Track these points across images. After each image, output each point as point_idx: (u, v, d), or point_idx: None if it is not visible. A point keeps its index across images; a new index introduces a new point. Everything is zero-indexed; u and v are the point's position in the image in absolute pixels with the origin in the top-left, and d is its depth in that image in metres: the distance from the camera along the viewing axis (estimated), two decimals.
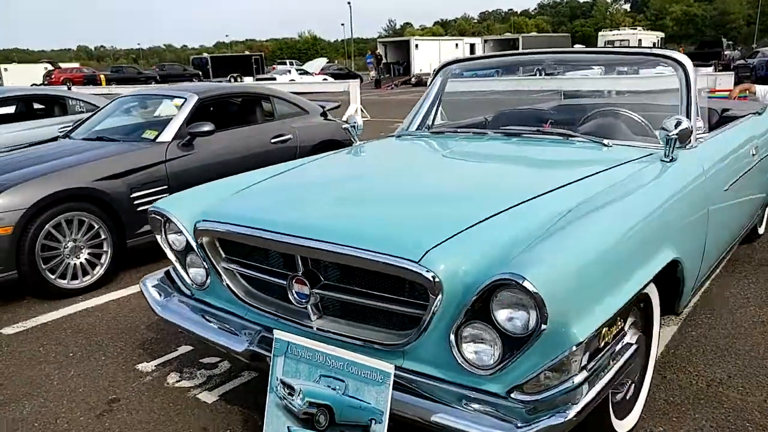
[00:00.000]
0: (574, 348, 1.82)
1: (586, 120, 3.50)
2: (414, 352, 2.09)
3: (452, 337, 1.95)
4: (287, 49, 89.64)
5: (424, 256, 1.94)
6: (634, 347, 2.07)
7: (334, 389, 1.99)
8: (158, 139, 4.90)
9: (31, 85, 36.16)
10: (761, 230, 4.95)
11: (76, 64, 53.19)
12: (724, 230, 3.32)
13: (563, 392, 1.84)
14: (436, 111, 4.11)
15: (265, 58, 59.17)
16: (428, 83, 4.23)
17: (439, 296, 1.92)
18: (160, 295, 2.93)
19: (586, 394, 1.84)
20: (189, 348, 3.42)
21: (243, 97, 5.95)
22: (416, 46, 37.62)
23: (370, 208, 2.34)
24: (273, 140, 5.64)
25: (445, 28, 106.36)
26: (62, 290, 4.22)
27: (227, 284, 2.61)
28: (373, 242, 2.04)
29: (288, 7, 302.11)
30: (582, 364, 1.87)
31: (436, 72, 4.13)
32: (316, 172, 3.03)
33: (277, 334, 2.17)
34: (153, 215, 2.83)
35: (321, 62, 43.63)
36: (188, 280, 2.82)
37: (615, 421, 2.37)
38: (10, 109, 7.94)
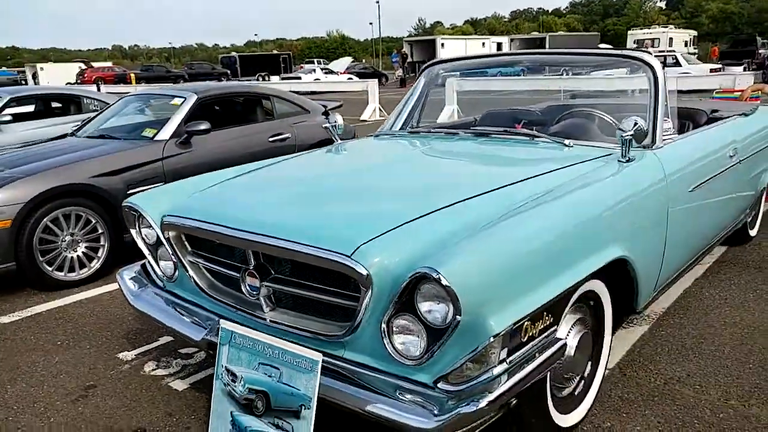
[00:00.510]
0: (492, 339, 1.89)
1: (560, 120, 3.55)
2: (354, 343, 2.17)
3: (384, 328, 2.04)
4: (316, 48, 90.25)
5: (356, 250, 2.03)
6: (561, 342, 2.12)
7: (270, 376, 2.09)
8: (156, 138, 5.07)
9: (66, 84, 37.13)
10: (753, 232, 4.92)
11: (108, 63, 54.33)
12: (693, 231, 3.34)
13: (483, 383, 1.91)
14: (421, 111, 4.19)
15: (294, 57, 59.57)
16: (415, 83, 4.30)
17: (370, 289, 2.01)
18: (136, 286, 3.07)
19: (503, 384, 1.91)
20: (170, 339, 3.55)
21: (243, 96, 6.10)
22: (442, 45, 37.66)
23: (317, 206, 2.43)
24: (271, 139, 5.77)
25: (475, 27, 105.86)
26: (59, 282, 4.40)
27: (192, 277, 2.73)
28: (311, 237, 2.14)
29: (319, 6, 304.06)
30: (502, 357, 1.94)
31: (420, 72, 4.21)
32: (284, 170, 3.14)
33: (223, 323, 2.28)
34: (126, 210, 2.96)
35: (346, 61, 43.81)
36: (159, 272, 2.95)
37: (557, 415, 2.43)
38: (30, 108, 8.24)
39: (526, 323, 2.00)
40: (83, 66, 43.26)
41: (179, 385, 3.08)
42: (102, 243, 4.61)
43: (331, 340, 2.21)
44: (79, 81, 37.98)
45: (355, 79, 29.11)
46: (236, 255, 2.55)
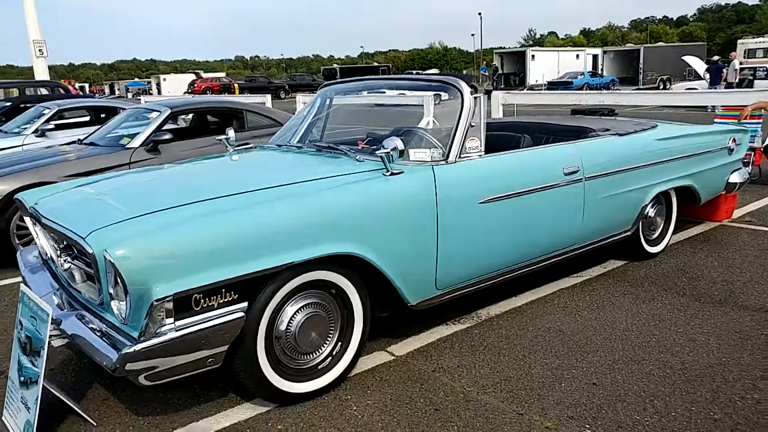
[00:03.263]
0: (155, 304, 2.46)
1: (387, 137, 4.00)
2: (109, 308, 2.82)
3: (111, 293, 2.67)
4: (419, 60, 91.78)
5: (89, 234, 2.68)
6: (234, 316, 2.64)
7: (33, 325, 2.78)
8: (128, 145, 5.97)
9: (184, 93, 40.27)
10: (655, 249, 5.02)
11: (220, 74, 58.53)
12: (496, 240, 3.65)
13: (156, 337, 2.51)
14: (324, 125, 4.77)
15: (396, 68, 60.82)
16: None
17: (97, 264, 2.65)
18: (34, 260, 3.88)
19: (158, 338, 2.48)
20: None
21: (215, 110, 6.92)
22: (532, 56, 37.35)
23: (106, 203, 3.11)
24: (237, 149, 6.52)
25: (588, 38, 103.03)
26: None
27: (51, 256, 3.50)
28: (72, 224, 2.84)
29: (431, 17, 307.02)
30: (168, 320, 2.51)
31: (317, 92, 4.80)
32: (132, 175, 3.86)
33: (22, 287, 3.00)
34: (18, 202, 3.78)
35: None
36: (42, 250, 3.74)
37: (282, 381, 2.94)
38: (86, 118, 9.59)
39: (197, 295, 2.55)
40: (195, 77, 47.01)
41: (58, 342, 3.83)
42: None
43: (100, 306, 2.87)
44: (190, 90, 41.27)
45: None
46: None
